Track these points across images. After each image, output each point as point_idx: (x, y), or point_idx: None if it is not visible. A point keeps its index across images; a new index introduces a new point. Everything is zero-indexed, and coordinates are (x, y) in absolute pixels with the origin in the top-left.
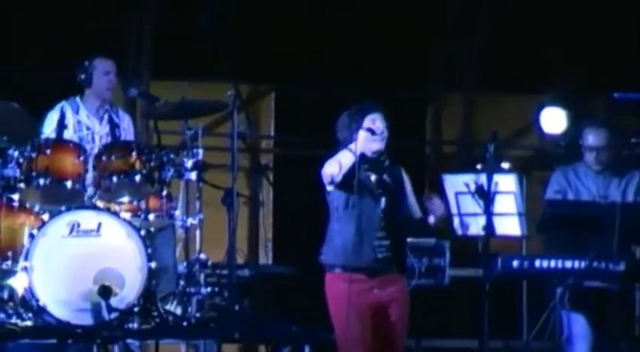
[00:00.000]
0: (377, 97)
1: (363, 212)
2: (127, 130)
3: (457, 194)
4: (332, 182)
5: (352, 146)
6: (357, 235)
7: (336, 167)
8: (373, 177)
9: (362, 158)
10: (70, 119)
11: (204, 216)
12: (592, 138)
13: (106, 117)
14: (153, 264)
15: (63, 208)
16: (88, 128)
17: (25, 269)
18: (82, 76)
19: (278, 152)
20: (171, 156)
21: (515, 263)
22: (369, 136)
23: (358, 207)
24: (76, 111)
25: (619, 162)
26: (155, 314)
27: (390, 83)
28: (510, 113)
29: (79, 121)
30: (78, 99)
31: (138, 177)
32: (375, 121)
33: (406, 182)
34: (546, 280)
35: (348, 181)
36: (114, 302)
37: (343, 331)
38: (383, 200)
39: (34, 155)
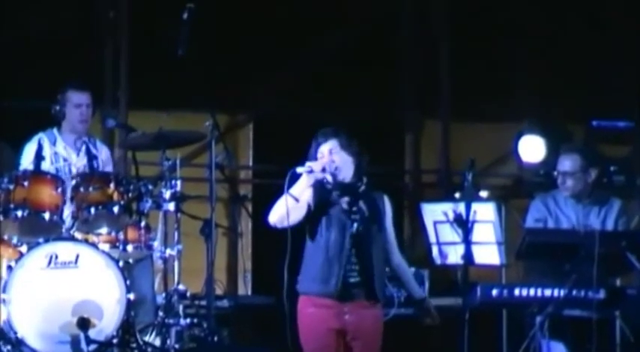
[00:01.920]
0: (355, 125)
1: (331, 240)
2: (106, 162)
3: (436, 223)
4: (283, 226)
5: (293, 189)
6: (324, 263)
7: (279, 213)
8: (345, 203)
9: (335, 184)
10: (47, 150)
11: (183, 247)
12: (565, 163)
13: (83, 148)
14: (131, 296)
15: (41, 240)
16: (65, 159)
17: (4, 301)
18: (57, 108)
19: (257, 182)
20: (150, 187)
21: (494, 291)
22: (308, 177)
23: (325, 235)
24: (53, 143)
25: (599, 191)
26: (134, 345)
27: (368, 110)
28: (489, 141)
29: (56, 153)
30: (55, 130)
31: (116, 209)
32: (323, 153)
33: (387, 212)
34: (526, 309)
35: (312, 213)
36: (92, 333)
37: None
38: (354, 226)
39: (11, 187)
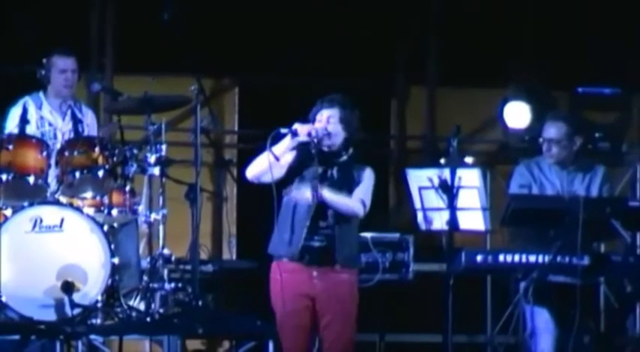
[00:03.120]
0: (340, 90)
1: (298, 204)
2: (91, 126)
3: (421, 189)
4: (260, 182)
5: (275, 148)
6: (290, 226)
7: (251, 170)
8: (321, 171)
9: (317, 151)
10: (32, 114)
11: (168, 212)
12: (550, 130)
13: (68, 112)
14: (116, 260)
15: (25, 204)
16: (50, 124)
17: None
18: (42, 73)
19: (242, 147)
20: (135, 151)
21: (479, 257)
22: (291, 138)
23: (294, 199)
24: (39, 107)
25: (583, 157)
26: (118, 310)
27: (354, 76)
28: (474, 107)
29: (42, 117)
30: (41, 94)
31: (101, 173)
32: (322, 116)
33: (364, 181)
34: (510, 274)
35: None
36: (77, 298)
37: (280, 319)
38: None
39: None
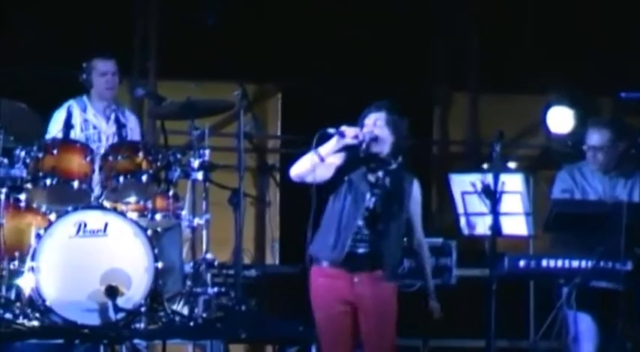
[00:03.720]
0: (382, 95)
1: (346, 208)
2: (134, 130)
3: (464, 194)
4: (303, 182)
5: (321, 148)
6: (336, 231)
7: (296, 169)
8: (372, 177)
9: (368, 156)
10: (77, 117)
11: (211, 216)
12: (594, 137)
13: (112, 117)
14: (159, 264)
15: (70, 208)
16: (94, 127)
17: (32, 269)
18: (84, 77)
19: (285, 152)
20: (178, 156)
21: (521, 262)
22: (338, 139)
23: (342, 203)
24: (84, 110)
25: (626, 162)
26: (162, 314)
27: (396, 82)
28: (517, 112)
29: (86, 120)
30: (85, 98)
31: (145, 177)
32: (370, 119)
33: (414, 195)
34: (553, 280)
35: (334, 181)
36: (121, 302)
37: (321, 325)
38: (372, 200)
39: (40, 155)
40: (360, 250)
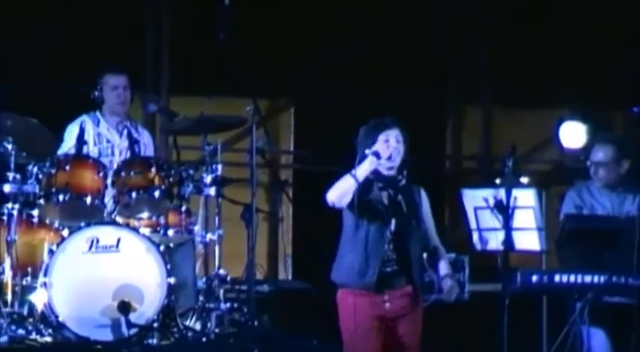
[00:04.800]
0: (395, 110)
1: (370, 233)
2: (147, 146)
3: (476, 209)
4: (334, 206)
5: (355, 171)
6: (363, 257)
7: (338, 192)
8: (386, 197)
9: (376, 176)
10: (90, 132)
11: (224, 232)
12: (597, 154)
13: (125, 132)
14: (172, 280)
15: (82, 224)
16: (108, 141)
17: (45, 285)
18: (95, 94)
19: (297, 167)
20: (191, 171)
21: (534, 278)
22: (374, 160)
23: (366, 229)
24: (97, 124)
25: (634, 179)
26: (174, 329)
27: (409, 96)
28: (530, 127)
29: (100, 133)
30: (98, 113)
31: (157, 193)
32: (389, 137)
33: (424, 204)
34: (566, 295)
35: (354, 204)
36: (133, 317)
37: (351, 343)
38: (393, 221)
39: (53, 171)
40: (388, 269)
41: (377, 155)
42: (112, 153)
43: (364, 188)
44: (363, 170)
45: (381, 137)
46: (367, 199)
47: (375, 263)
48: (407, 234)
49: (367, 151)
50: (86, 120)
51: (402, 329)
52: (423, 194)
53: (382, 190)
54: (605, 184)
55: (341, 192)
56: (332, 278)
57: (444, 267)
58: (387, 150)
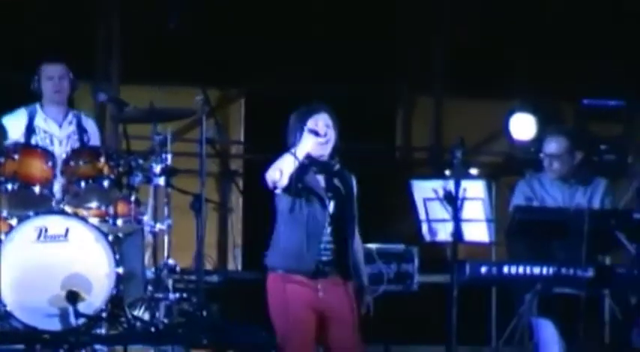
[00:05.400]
0: (346, 100)
1: (310, 216)
2: (92, 135)
3: (425, 200)
4: (275, 187)
5: (294, 149)
6: (303, 239)
7: (277, 172)
8: (322, 181)
9: (311, 161)
10: (23, 125)
11: (173, 222)
12: (550, 146)
13: (73, 121)
14: (121, 270)
15: (31, 213)
16: (45, 131)
17: None
18: (35, 84)
19: (247, 158)
20: (140, 161)
21: (483, 269)
22: (313, 138)
23: (305, 211)
24: (34, 116)
25: (584, 170)
26: (123, 319)
27: (360, 85)
28: (480, 119)
29: (36, 126)
30: (37, 105)
31: (106, 183)
32: (317, 122)
33: (355, 192)
34: (515, 286)
35: (293, 185)
36: (81, 307)
37: (285, 333)
38: (332, 204)
39: (1, 160)
40: (324, 258)
41: (315, 132)
42: (52, 144)
43: (300, 172)
44: (302, 148)
45: (310, 122)
46: (304, 182)
47: (314, 247)
48: (345, 216)
49: (305, 129)
50: (24, 111)
51: (337, 321)
52: (354, 182)
53: (317, 174)
54: (559, 176)
55: (281, 171)
56: (266, 262)
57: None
58: (323, 128)
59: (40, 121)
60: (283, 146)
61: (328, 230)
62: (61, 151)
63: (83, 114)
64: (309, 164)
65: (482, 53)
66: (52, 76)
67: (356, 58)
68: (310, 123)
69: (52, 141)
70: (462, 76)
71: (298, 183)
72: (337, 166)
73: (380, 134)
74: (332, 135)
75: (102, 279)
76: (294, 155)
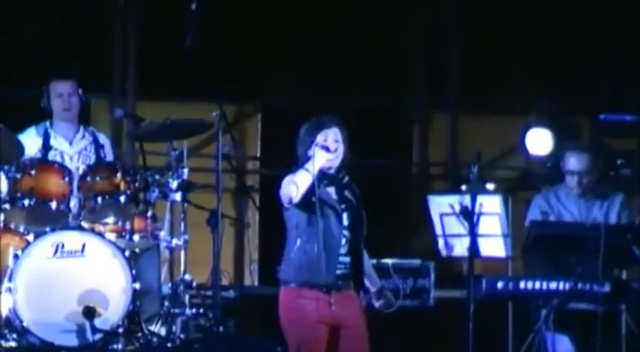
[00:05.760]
0: (362, 116)
1: (327, 229)
2: (106, 150)
3: (442, 215)
4: (290, 202)
5: (309, 165)
6: (321, 252)
7: (293, 188)
8: (334, 193)
9: (320, 174)
10: (34, 143)
11: (189, 237)
12: (574, 162)
13: (85, 136)
14: (137, 285)
15: (47, 229)
16: (54, 149)
17: (9, 290)
18: (44, 102)
19: (264, 173)
20: (157, 176)
21: (499, 284)
22: (323, 154)
23: (322, 225)
24: (44, 134)
25: (602, 185)
26: (139, 335)
27: (376, 102)
28: (496, 134)
29: (48, 143)
30: (47, 123)
31: (123, 198)
32: (327, 137)
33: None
34: (531, 301)
35: (308, 200)
36: (98, 323)
37: (298, 348)
38: (345, 216)
39: (18, 175)
40: (339, 271)
41: (326, 148)
42: (62, 160)
43: (312, 186)
44: (315, 164)
45: (320, 137)
46: (319, 195)
47: (335, 259)
48: (358, 228)
49: (315, 147)
50: (32, 131)
51: (349, 335)
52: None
53: (327, 187)
54: (582, 192)
55: (297, 186)
56: (279, 276)
57: (374, 276)
58: (333, 143)
59: (50, 138)
60: (298, 161)
61: (343, 242)
62: (72, 168)
63: (95, 129)
64: (319, 177)
65: (498, 68)
66: (62, 93)
67: (371, 74)
68: (320, 138)
69: (62, 158)
70: (478, 92)
71: (312, 196)
72: (345, 179)
73: (397, 150)
74: (341, 149)
75: (118, 295)
76: (308, 171)
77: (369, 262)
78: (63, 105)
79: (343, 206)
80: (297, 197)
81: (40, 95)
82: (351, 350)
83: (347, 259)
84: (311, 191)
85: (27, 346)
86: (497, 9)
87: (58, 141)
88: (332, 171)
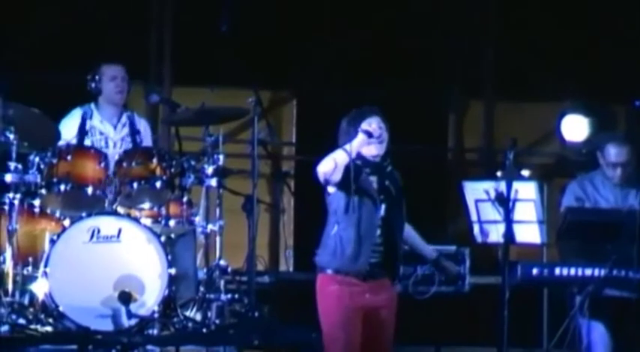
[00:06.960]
0: (398, 103)
1: (363, 217)
2: (145, 136)
3: (477, 201)
4: (327, 181)
5: (347, 146)
6: (355, 240)
7: (330, 165)
8: (375, 183)
9: (364, 162)
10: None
11: (225, 223)
12: (614, 154)
13: (127, 122)
14: (173, 270)
15: (83, 214)
16: (101, 133)
17: (46, 274)
18: (92, 85)
19: (299, 159)
20: (192, 162)
21: (534, 270)
22: (365, 138)
23: (358, 212)
24: (90, 117)
25: (637, 172)
26: (175, 320)
27: (412, 89)
28: (532, 120)
29: (92, 126)
30: (93, 105)
31: (158, 184)
32: (371, 124)
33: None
34: (566, 288)
35: (347, 183)
36: (134, 308)
37: (332, 332)
38: (383, 206)
39: (55, 161)
40: (373, 260)
41: (368, 133)
42: (106, 146)
43: (354, 172)
44: (355, 146)
45: (364, 124)
46: (358, 183)
47: (368, 247)
48: (395, 219)
49: (359, 130)
50: (79, 111)
51: (381, 322)
52: (400, 179)
53: (370, 175)
54: (621, 182)
55: (333, 165)
56: (317, 262)
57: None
58: (377, 130)
59: (96, 122)
60: (334, 147)
61: (378, 232)
62: (114, 153)
63: (136, 114)
64: (363, 165)
65: (533, 55)
66: (116, 76)
67: (407, 62)
68: (364, 125)
69: (106, 143)
70: (513, 79)
71: (354, 183)
72: (389, 168)
73: (432, 136)
74: (385, 136)
75: (154, 280)
76: (347, 151)
77: (419, 239)
78: (116, 89)
79: (382, 197)
80: (334, 175)
81: (84, 79)
82: (378, 337)
83: (381, 248)
84: (349, 175)
85: (63, 330)
86: None
87: (104, 125)
88: (377, 159)
